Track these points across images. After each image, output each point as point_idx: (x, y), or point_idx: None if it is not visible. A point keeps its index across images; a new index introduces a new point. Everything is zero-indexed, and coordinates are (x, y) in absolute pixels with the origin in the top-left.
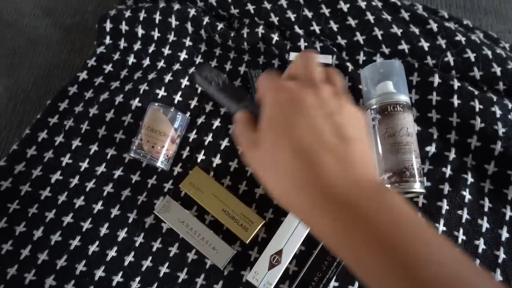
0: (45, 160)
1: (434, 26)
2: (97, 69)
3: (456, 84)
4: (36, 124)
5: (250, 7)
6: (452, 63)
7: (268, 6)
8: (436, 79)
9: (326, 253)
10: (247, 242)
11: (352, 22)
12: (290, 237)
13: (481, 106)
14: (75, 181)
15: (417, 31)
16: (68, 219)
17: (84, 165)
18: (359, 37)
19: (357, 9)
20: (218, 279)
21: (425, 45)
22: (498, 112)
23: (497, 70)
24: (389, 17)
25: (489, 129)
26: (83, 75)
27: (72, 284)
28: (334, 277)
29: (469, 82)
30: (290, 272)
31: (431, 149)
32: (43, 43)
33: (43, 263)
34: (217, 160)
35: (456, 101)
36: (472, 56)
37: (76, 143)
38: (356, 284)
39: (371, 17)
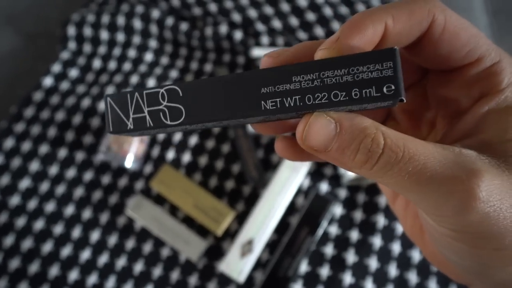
0: (13, 167)
1: None
2: (62, 75)
3: None
4: (2, 132)
5: (213, 7)
6: None
7: (230, 4)
8: None
9: (295, 239)
10: (219, 234)
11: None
12: (261, 226)
13: None
14: (44, 186)
15: None
16: (39, 224)
17: (53, 170)
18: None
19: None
20: (193, 272)
21: None
22: None
23: None
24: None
25: None
26: (47, 81)
27: None
28: (306, 261)
29: None
30: (263, 261)
31: None
32: (6, 52)
33: (15, 270)
34: (187, 157)
35: None
36: None
37: (44, 149)
38: (326, 266)
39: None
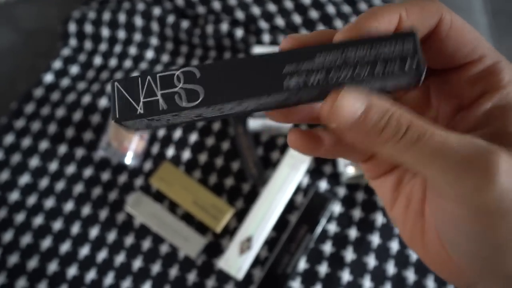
0: (12, 163)
1: None
2: (62, 71)
3: None
4: (2, 128)
5: (217, 4)
6: None
7: (233, 2)
8: None
9: (294, 237)
10: (218, 231)
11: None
12: (260, 224)
13: None
14: (44, 182)
15: None
16: (38, 220)
17: (53, 166)
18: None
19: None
20: (192, 269)
21: None
22: None
23: None
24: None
25: None
26: (48, 77)
27: (44, 284)
28: (305, 258)
29: None
30: (262, 258)
31: None
32: (6, 49)
33: (14, 265)
34: (187, 155)
35: None
36: None
37: (44, 145)
38: (324, 264)
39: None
